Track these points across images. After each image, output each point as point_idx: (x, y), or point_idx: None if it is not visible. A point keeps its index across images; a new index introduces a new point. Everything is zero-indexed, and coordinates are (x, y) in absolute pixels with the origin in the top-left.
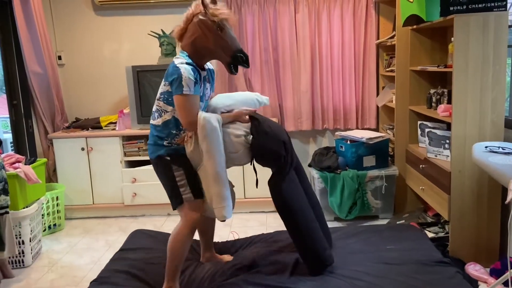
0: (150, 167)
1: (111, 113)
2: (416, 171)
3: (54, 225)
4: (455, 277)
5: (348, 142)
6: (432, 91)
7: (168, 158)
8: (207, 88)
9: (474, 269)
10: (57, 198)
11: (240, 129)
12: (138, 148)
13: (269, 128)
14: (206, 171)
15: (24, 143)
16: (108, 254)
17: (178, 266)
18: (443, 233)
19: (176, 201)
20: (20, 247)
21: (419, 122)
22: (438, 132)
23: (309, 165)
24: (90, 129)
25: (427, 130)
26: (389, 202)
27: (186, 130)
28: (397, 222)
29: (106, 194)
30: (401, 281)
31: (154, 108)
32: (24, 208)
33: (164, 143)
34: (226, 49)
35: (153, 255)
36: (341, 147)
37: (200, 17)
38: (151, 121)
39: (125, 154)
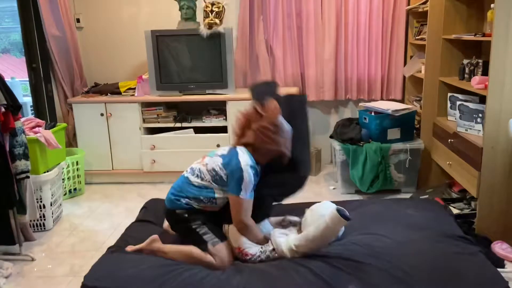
0: (169, 135)
1: (130, 78)
2: (443, 145)
3: (75, 189)
4: (477, 256)
5: (372, 113)
6: (465, 61)
7: (186, 216)
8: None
9: (501, 248)
10: (77, 163)
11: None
12: (157, 115)
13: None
14: None
15: (43, 108)
16: (127, 220)
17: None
18: (469, 210)
19: (202, 248)
20: (41, 211)
21: (449, 94)
22: (470, 105)
23: (331, 136)
24: (109, 94)
25: (458, 103)
26: (412, 176)
27: (215, 203)
28: (421, 197)
29: (125, 160)
30: (420, 248)
31: (197, 170)
32: (44, 172)
33: (186, 201)
34: (288, 144)
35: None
36: (365, 118)
37: (260, 123)
38: (189, 176)
39: (144, 121)
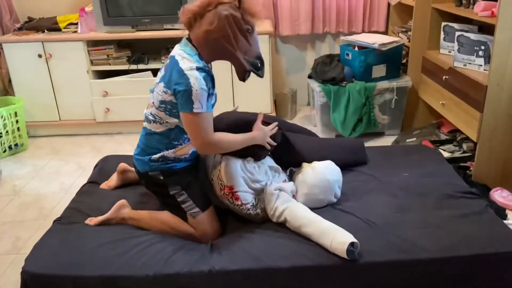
0: (122, 79)
1: (70, 11)
2: (435, 82)
3: (16, 145)
4: (486, 212)
5: (356, 48)
6: None
7: (161, 178)
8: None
9: (501, 196)
10: (15, 114)
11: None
12: (107, 55)
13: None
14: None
15: None
16: (81, 180)
17: None
18: (460, 153)
19: (182, 216)
20: None
21: (443, 24)
22: (472, 36)
23: (309, 76)
24: (46, 31)
25: (457, 34)
26: (397, 117)
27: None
28: (407, 140)
29: (74, 109)
30: (422, 219)
31: (149, 115)
32: None
33: (157, 156)
34: (248, 55)
35: (126, 191)
36: (347, 54)
37: (231, 11)
38: (146, 124)
39: (92, 63)
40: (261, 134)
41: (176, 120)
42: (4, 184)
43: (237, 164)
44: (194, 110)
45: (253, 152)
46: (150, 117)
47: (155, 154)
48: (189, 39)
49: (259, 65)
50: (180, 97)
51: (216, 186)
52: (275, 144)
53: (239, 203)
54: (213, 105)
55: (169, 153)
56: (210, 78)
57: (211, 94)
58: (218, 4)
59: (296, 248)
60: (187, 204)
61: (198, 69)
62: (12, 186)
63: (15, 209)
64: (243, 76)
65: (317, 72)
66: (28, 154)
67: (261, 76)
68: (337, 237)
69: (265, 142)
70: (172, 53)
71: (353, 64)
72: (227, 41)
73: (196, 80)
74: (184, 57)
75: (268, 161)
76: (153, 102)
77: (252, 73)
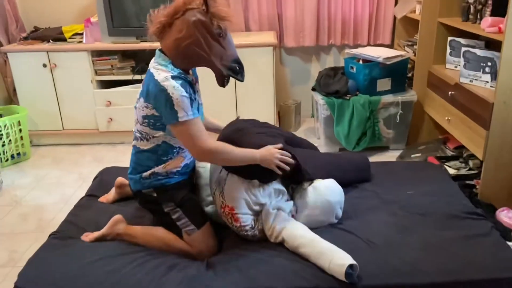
0: (125, 89)
1: (76, 22)
2: (441, 98)
3: (18, 154)
4: (491, 234)
5: (361, 62)
6: None
7: (155, 195)
8: (198, 91)
9: (507, 216)
10: (19, 123)
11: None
12: (112, 66)
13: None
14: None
15: None
16: (81, 191)
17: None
18: (466, 170)
19: (178, 233)
20: None
21: (449, 39)
22: (478, 52)
23: (313, 89)
24: (51, 41)
25: (463, 49)
26: (402, 131)
27: (182, 152)
28: (412, 155)
29: (77, 118)
30: (424, 240)
31: (136, 132)
32: None
33: (147, 173)
34: (224, 59)
35: (124, 204)
36: (352, 68)
37: (199, 16)
38: (135, 142)
39: (96, 73)
40: (266, 155)
41: (161, 133)
42: (5, 194)
43: (241, 185)
44: (180, 120)
45: (262, 176)
46: (137, 134)
47: (146, 171)
48: (161, 50)
49: (237, 68)
50: (163, 110)
51: (217, 201)
52: (287, 169)
53: (238, 224)
54: (198, 110)
55: (159, 168)
56: (188, 84)
57: (193, 99)
58: (185, 11)
59: (293, 268)
60: (182, 221)
61: (173, 77)
62: (13, 196)
63: (13, 220)
64: (222, 81)
65: (321, 84)
66: (30, 163)
67: (241, 80)
68: (335, 259)
69: (272, 165)
70: (149, 67)
71: (357, 78)
72: (199, 47)
73: (174, 88)
74: (158, 68)
75: (274, 184)
76: (137, 119)
77: (237, 80)
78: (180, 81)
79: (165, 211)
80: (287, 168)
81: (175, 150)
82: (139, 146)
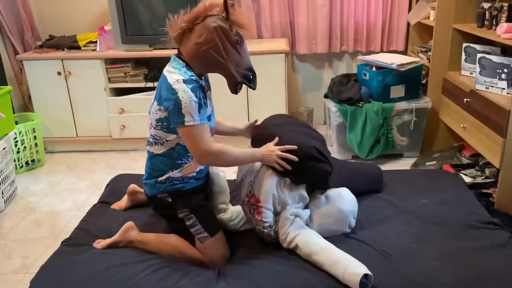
0: (138, 96)
1: (90, 30)
2: (456, 104)
3: (33, 161)
4: (508, 244)
5: (374, 68)
6: (485, 5)
7: (170, 200)
8: (209, 98)
9: None
10: (33, 130)
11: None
12: (125, 73)
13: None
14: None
15: None
16: (93, 197)
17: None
18: (482, 178)
19: (190, 240)
20: None
21: (464, 45)
22: (494, 58)
23: (325, 96)
24: (66, 49)
25: (478, 55)
26: (416, 139)
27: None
28: (427, 163)
29: (90, 125)
30: (440, 250)
31: (150, 137)
32: None
33: (163, 178)
34: (239, 66)
35: (136, 211)
36: (365, 74)
37: (219, 22)
38: (149, 148)
39: (109, 80)
40: (266, 153)
41: (175, 136)
42: (19, 200)
43: (274, 179)
44: (186, 124)
45: (294, 176)
46: (151, 139)
47: (161, 176)
48: (177, 55)
49: (251, 77)
50: (171, 112)
51: (244, 189)
52: (288, 167)
53: (259, 218)
54: (211, 117)
55: (174, 173)
56: (199, 89)
57: (203, 104)
58: (205, 17)
59: (306, 278)
60: (195, 228)
61: (185, 81)
62: (27, 202)
63: (27, 226)
64: (235, 88)
65: (333, 91)
66: (44, 170)
67: (253, 88)
68: (350, 268)
69: (273, 163)
70: (163, 72)
71: (370, 84)
72: (217, 53)
73: (184, 93)
74: (171, 72)
75: (302, 189)
76: (151, 123)
77: (248, 87)
78: (191, 85)
79: (179, 216)
80: (288, 167)
81: (189, 154)
82: (153, 151)
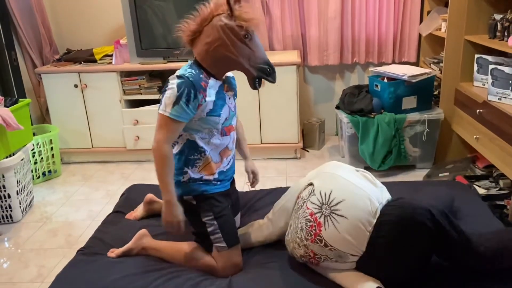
0: (152, 108)
1: (106, 43)
2: (469, 116)
3: (50, 171)
4: None
5: (385, 80)
6: (497, 16)
7: (194, 203)
8: (230, 98)
9: None
10: (50, 141)
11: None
12: (139, 85)
13: None
14: None
15: (8, 79)
16: (108, 207)
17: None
18: (496, 190)
19: (207, 248)
20: (6, 201)
21: (476, 56)
22: (506, 69)
23: (337, 107)
24: (82, 62)
25: (491, 67)
26: (429, 150)
27: (205, 153)
28: (440, 175)
29: (105, 137)
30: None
31: None
32: (6, 157)
33: (185, 178)
34: (253, 61)
35: (150, 221)
36: (376, 86)
37: (225, 20)
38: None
39: (124, 92)
40: (169, 211)
41: (184, 133)
42: (36, 210)
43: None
44: (159, 111)
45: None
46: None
47: (181, 175)
48: (193, 62)
49: (268, 70)
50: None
51: (303, 212)
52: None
53: (312, 255)
54: (211, 112)
55: (193, 172)
56: (192, 86)
57: (189, 100)
58: (212, 18)
59: None
60: (215, 236)
61: (179, 77)
62: (43, 212)
63: (43, 236)
64: (253, 83)
65: (345, 102)
66: (60, 180)
67: (273, 81)
68: (362, 280)
69: (164, 223)
70: None
71: (382, 96)
72: (227, 50)
73: (173, 84)
74: (186, 67)
75: None
76: None
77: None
78: (180, 80)
79: (202, 220)
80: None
81: (199, 149)
82: (173, 153)
